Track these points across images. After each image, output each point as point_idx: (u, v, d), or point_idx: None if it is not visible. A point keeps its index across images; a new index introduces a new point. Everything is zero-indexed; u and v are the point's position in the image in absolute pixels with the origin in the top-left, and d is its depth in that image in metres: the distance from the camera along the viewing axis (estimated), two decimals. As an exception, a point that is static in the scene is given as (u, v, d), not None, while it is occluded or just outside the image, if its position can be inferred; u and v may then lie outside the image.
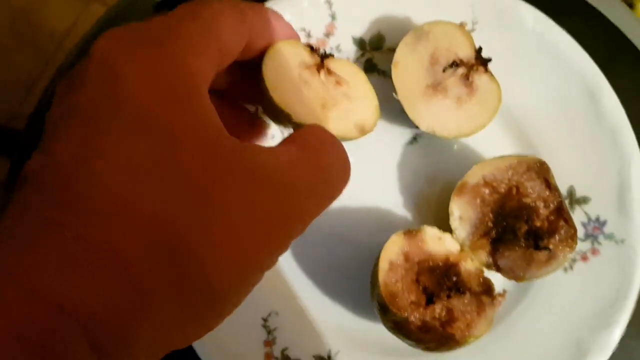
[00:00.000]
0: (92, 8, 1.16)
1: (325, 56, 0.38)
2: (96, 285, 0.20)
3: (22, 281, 0.19)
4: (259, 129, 0.40)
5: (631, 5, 0.53)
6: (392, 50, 0.43)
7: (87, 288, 0.20)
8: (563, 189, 0.44)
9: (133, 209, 0.21)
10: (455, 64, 0.42)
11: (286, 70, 0.36)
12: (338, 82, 0.39)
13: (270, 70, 0.35)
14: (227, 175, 0.23)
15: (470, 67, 0.42)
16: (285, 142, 0.28)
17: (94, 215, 0.21)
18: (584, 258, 0.43)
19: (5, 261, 0.20)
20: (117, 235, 0.21)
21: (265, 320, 0.42)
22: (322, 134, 0.29)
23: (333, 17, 0.45)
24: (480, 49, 0.42)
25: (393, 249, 0.39)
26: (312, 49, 0.38)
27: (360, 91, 0.40)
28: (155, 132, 0.22)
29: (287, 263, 0.44)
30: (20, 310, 0.19)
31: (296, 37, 0.37)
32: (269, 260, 0.25)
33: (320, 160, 0.28)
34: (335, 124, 0.37)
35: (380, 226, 0.44)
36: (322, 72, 0.38)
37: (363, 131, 0.39)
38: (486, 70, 0.42)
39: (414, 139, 0.46)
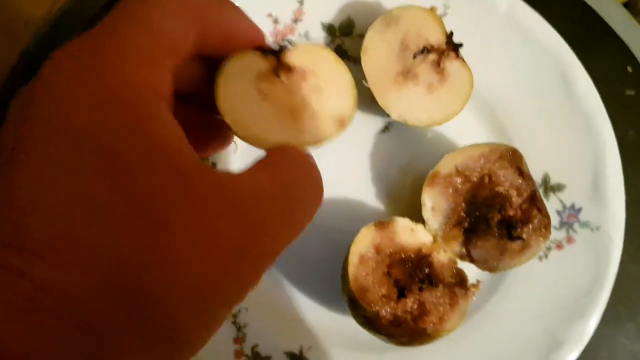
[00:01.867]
0: (66, -5, 1.13)
1: (279, 52, 0.34)
2: (53, 336, 0.19)
3: None
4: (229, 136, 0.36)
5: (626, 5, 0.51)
6: (363, 36, 0.41)
7: (45, 339, 0.19)
8: (537, 176, 0.43)
9: (85, 248, 0.20)
10: (425, 50, 0.41)
11: (242, 95, 0.33)
12: (302, 77, 0.34)
13: (224, 102, 0.32)
14: (187, 203, 0.21)
15: (441, 53, 0.41)
16: (257, 167, 0.26)
17: (51, 261, 0.20)
18: (559, 246, 0.43)
19: None
20: (71, 278, 0.20)
21: (234, 316, 0.41)
22: (295, 158, 0.28)
23: (301, 2, 0.44)
24: (451, 34, 0.41)
25: (363, 242, 0.38)
26: (264, 51, 0.33)
27: (328, 75, 0.35)
28: (105, 161, 0.21)
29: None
30: None
31: (259, 36, 0.33)
32: (238, 294, 0.23)
33: (293, 190, 0.26)
34: (310, 130, 0.34)
35: (351, 217, 0.43)
36: (282, 74, 0.34)
37: (342, 123, 0.35)
38: (457, 56, 0.41)
39: (386, 128, 0.45)
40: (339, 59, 0.36)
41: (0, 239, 0.20)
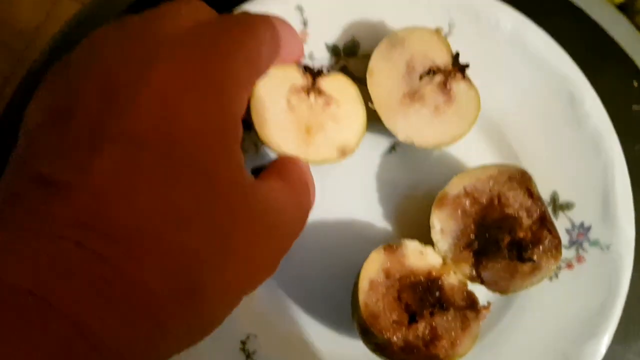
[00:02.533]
0: (62, 5, 1.12)
1: (317, 74, 0.39)
2: (129, 327, 0.21)
3: (66, 313, 0.20)
4: None
5: (623, 8, 0.51)
6: (368, 57, 0.41)
7: (121, 330, 0.21)
8: (546, 195, 0.43)
9: (169, 251, 0.23)
10: (432, 72, 0.41)
11: (272, 101, 0.37)
12: (327, 103, 0.39)
13: (257, 102, 0.37)
14: (247, 218, 0.26)
15: (447, 74, 0.41)
16: (273, 175, 0.32)
17: (133, 253, 0.22)
18: (569, 266, 0.42)
19: (46, 286, 0.20)
20: (153, 275, 0.22)
21: (243, 343, 0.41)
22: (304, 170, 0.35)
23: (305, 23, 0.43)
24: (457, 54, 0.41)
25: (373, 267, 0.38)
26: (305, 69, 0.39)
27: (348, 109, 0.40)
28: (195, 177, 0.24)
29: (265, 283, 0.42)
30: (62, 343, 0.20)
31: (301, 52, 0.39)
32: (258, 285, 0.28)
33: (302, 197, 0.32)
34: (317, 150, 0.39)
35: (359, 241, 0.43)
36: (312, 95, 0.39)
37: (344, 153, 0.39)
38: (464, 77, 0.41)
39: (392, 148, 0.44)
40: (361, 98, 0.40)
41: (83, 220, 0.21)
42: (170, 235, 0.23)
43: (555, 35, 0.43)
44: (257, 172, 0.43)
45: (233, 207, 0.25)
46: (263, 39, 0.30)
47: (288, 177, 0.32)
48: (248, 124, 0.38)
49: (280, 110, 0.38)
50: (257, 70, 0.30)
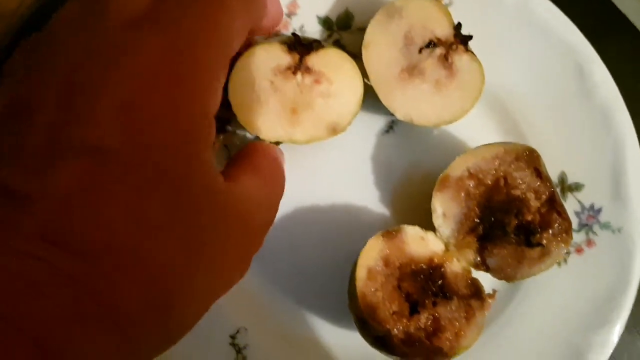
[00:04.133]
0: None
1: (306, 51, 0.36)
2: (96, 345, 0.20)
3: (29, 335, 0.19)
4: None
5: None
6: (362, 30, 0.38)
7: (88, 349, 0.20)
8: (554, 176, 0.40)
9: (141, 264, 0.21)
10: (432, 44, 0.38)
11: (253, 83, 0.36)
12: (317, 81, 0.37)
13: (236, 84, 0.35)
14: (218, 224, 0.24)
15: (449, 47, 0.38)
16: (246, 171, 0.29)
17: (101, 269, 0.20)
18: (579, 250, 0.40)
19: (8, 305, 0.19)
20: (122, 292, 0.21)
21: (233, 337, 0.38)
22: (275, 160, 0.32)
23: (294, -6, 0.40)
24: (459, 25, 0.38)
25: (371, 254, 0.35)
26: (292, 46, 0.36)
27: (341, 85, 0.37)
28: (167, 184, 0.22)
29: (254, 273, 0.39)
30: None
31: (280, 16, 0.35)
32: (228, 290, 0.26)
33: (275, 190, 0.31)
34: (303, 129, 0.37)
35: (355, 227, 0.40)
36: (299, 74, 0.36)
37: (334, 131, 0.37)
38: (466, 49, 0.38)
39: (390, 128, 0.42)
40: (358, 73, 0.37)
41: (46, 234, 0.20)
42: (139, 249, 0.21)
43: (561, 4, 0.40)
44: None
45: (203, 215, 0.23)
46: (234, 9, 0.26)
47: (261, 171, 0.30)
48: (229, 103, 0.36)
49: (262, 92, 0.36)
50: (230, 50, 0.26)
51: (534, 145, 0.38)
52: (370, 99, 0.38)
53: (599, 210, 0.40)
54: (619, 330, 0.38)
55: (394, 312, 0.35)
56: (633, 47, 0.44)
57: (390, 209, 0.41)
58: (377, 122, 0.42)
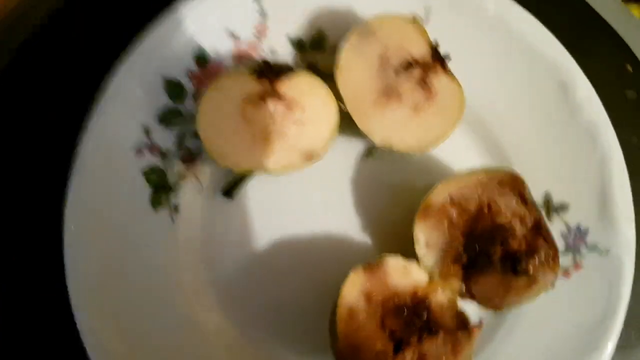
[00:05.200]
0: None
1: (276, 78, 0.35)
2: None
3: None
4: None
5: None
6: (337, 50, 0.36)
7: None
8: (539, 196, 0.39)
9: None
10: (409, 65, 0.36)
11: (222, 115, 0.35)
12: (289, 108, 0.35)
13: (204, 116, 0.34)
14: None
15: (426, 68, 0.36)
16: None
17: None
18: (566, 273, 0.39)
19: None
20: None
21: (211, 380, 0.37)
22: None
23: (263, 14, 0.38)
24: (436, 44, 0.36)
25: (352, 291, 0.34)
26: (261, 73, 0.35)
27: (314, 112, 0.36)
28: None
29: (231, 313, 0.38)
30: None
31: None
32: None
33: None
34: (277, 159, 0.35)
35: (337, 257, 0.39)
36: (270, 102, 0.35)
37: (310, 159, 0.36)
38: (445, 69, 0.36)
39: (369, 152, 0.40)
40: (332, 98, 0.36)
41: None
42: None
43: (543, 17, 0.39)
44: (229, 193, 0.38)
45: None
46: None
47: None
48: None
49: (232, 122, 0.35)
50: None
51: (517, 165, 0.37)
52: (348, 123, 0.37)
53: (586, 232, 0.39)
54: (610, 353, 0.37)
55: (377, 353, 0.33)
56: (615, 54, 0.43)
57: (371, 237, 0.39)
58: (356, 147, 0.40)
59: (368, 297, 0.34)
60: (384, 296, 0.34)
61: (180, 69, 0.37)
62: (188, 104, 0.38)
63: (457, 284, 0.35)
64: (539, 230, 0.35)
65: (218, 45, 0.38)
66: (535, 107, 0.39)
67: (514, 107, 0.39)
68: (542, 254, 0.35)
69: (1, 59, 0.39)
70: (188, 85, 0.37)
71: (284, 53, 0.39)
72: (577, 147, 0.39)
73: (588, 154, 0.39)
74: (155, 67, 0.36)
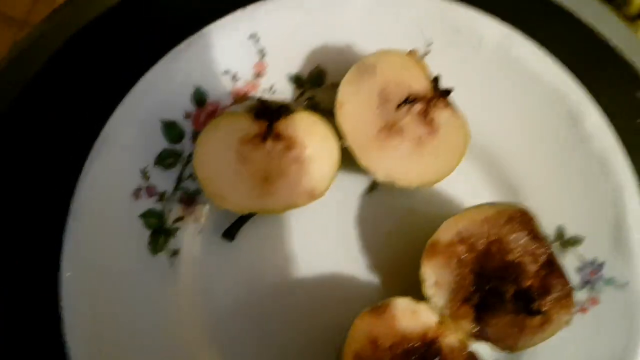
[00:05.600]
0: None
1: (275, 118, 0.35)
2: None
3: None
4: None
5: (619, 6, 0.46)
6: (336, 85, 0.36)
7: None
8: (551, 229, 0.38)
9: None
10: (409, 100, 0.35)
11: (219, 156, 0.34)
12: (288, 147, 0.35)
13: (201, 158, 0.34)
14: None
15: (428, 102, 0.35)
16: None
17: None
18: (583, 310, 0.37)
19: None
20: None
21: None
22: None
23: (262, 53, 0.38)
24: (437, 78, 0.35)
25: (358, 338, 0.32)
26: (259, 114, 0.35)
27: (315, 150, 0.35)
28: None
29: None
30: None
31: None
32: None
33: None
34: (278, 198, 0.35)
35: (340, 299, 0.37)
36: (269, 141, 0.35)
37: (312, 197, 0.35)
38: (447, 103, 0.35)
39: (372, 189, 0.39)
40: (333, 135, 0.35)
41: None
42: None
43: (547, 45, 0.38)
44: (229, 234, 0.37)
45: None
46: None
47: None
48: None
49: (230, 164, 0.34)
50: None
51: (527, 198, 0.35)
52: (350, 160, 0.36)
53: (602, 265, 0.37)
54: (632, 395, 0.35)
55: (386, 402, 0.31)
56: (626, 84, 0.41)
57: (377, 276, 0.38)
58: (359, 185, 0.39)
59: (375, 342, 0.33)
60: (392, 341, 0.33)
61: (178, 109, 0.37)
62: (186, 144, 0.37)
63: (468, 324, 0.34)
64: (551, 266, 0.34)
65: (216, 85, 0.37)
66: (544, 138, 0.38)
67: (522, 139, 0.38)
68: (556, 292, 0.33)
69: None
70: (186, 125, 0.37)
71: (283, 90, 0.38)
72: (588, 178, 0.37)
73: (600, 184, 0.37)
74: (153, 110, 0.36)
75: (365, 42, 0.37)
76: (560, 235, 0.38)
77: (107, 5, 0.39)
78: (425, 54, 0.38)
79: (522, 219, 0.34)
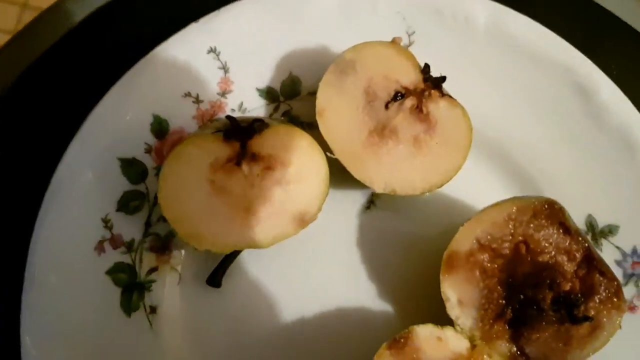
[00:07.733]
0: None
1: (247, 135, 0.30)
2: None
3: None
4: None
5: None
6: (314, 93, 0.32)
7: None
8: (580, 222, 0.33)
9: None
10: (399, 95, 0.31)
11: (188, 187, 0.29)
12: (268, 167, 0.30)
13: (167, 195, 0.29)
14: None
15: (420, 95, 0.31)
16: None
17: None
18: (631, 308, 0.33)
19: None
20: None
21: None
22: None
23: (225, 68, 0.34)
24: (426, 67, 0.31)
25: (379, 379, 0.27)
26: (228, 133, 0.30)
27: (299, 166, 0.31)
28: None
29: None
30: None
31: None
32: None
33: None
34: (265, 228, 0.30)
35: (351, 335, 0.33)
36: (244, 164, 0.30)
37: (303, 222, 0.31)
38: (442, 93, 0.31)
39: (370, 203, 0.34)
40: (317, 148, 0.30)
41: None
42: None
43: (545, 20, 0.34)
44: (213, 280, 0.32)
45: None
46: None
47: None
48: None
49: (202, 197, 0.29)
50: None
51: (547, 190, 0.31)
52: (341, 173, 0.31)
53: (644, 253, 0.32)
54: None
55: None
56: (632, 51, 0.38)
57: (390, 303, 0.33)
58: (354, 199, 0.35)
59: (400, 382, 0.27)
60: (420, 377, 0.28)
61: (137, 144, 0.32)
62: (151, 183, 0.32)
63: (505, 345, 0.29)
64: (591, 262, 0.29)
65: (177, 111, 0.33)
66: (556, 119, 0.34)
67: (531, 123, 0.34)
68: (602, 291, 0.29)
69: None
70: (148, 161, 0.32)
71: (255, 107, 0.34)
72: (611, 156, 0.33)
73: (626, 161, 0.33)
74: (107, 147, 0.32)
75: (341, 40, 0.33)
76: (590, 226, 0.33)
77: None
78: (410, 44, 0.34)
79: (550, 212, 0.29)
